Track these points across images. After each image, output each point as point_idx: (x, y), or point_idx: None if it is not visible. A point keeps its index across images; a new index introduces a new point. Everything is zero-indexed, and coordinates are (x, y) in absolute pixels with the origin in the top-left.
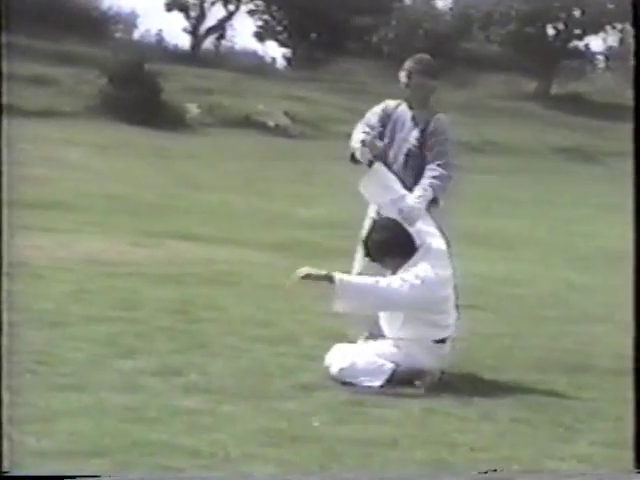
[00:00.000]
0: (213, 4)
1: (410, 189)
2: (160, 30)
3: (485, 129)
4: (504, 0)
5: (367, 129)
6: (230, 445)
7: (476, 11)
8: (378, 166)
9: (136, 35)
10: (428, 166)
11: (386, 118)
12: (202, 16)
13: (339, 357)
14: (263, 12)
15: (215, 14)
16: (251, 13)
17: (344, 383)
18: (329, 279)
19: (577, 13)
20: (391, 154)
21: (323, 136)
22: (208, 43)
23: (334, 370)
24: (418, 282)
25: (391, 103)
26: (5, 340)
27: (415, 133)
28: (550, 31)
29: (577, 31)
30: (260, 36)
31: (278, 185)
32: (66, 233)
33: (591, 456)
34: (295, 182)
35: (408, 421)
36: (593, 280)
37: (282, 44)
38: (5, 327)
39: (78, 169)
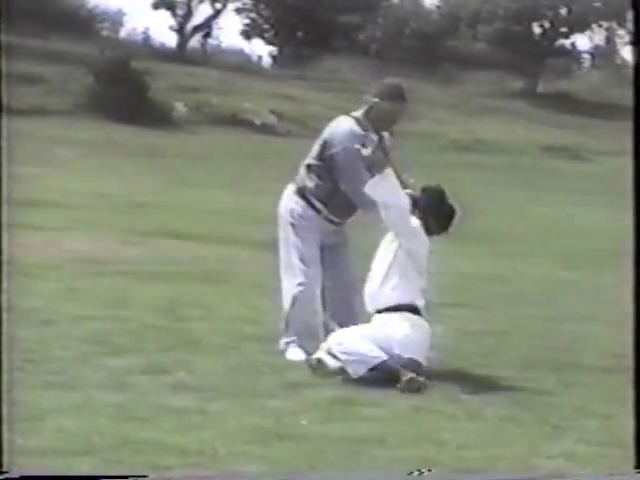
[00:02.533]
0: (200, 2)
1: None
2: (147, 28)
3: (472, 127)
4: None
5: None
6: (218, 443)
7: (463, 9)
8: (390, 171)
9: (123, 33)
10: None
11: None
12: (189, 14)
13: (342, 334)
14: (250, 10)
15: (202, 12)
16: (238, 11)
17: (334, 356)
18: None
19: (564, 11)
20: None
21: (310, 134)
22: (195, 41)
23: (333, 345)
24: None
25: (358, 131)
26: None
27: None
28: (537, 29)
29: (563, 29)
30: (247, 34)
31: (265, 183)
32: (55, 231)
33: (578, 454)
34: (282, 180)
35: (396, 419)
36: (580, 278)
37: (269, 42)
38: None
39: (66, 167)
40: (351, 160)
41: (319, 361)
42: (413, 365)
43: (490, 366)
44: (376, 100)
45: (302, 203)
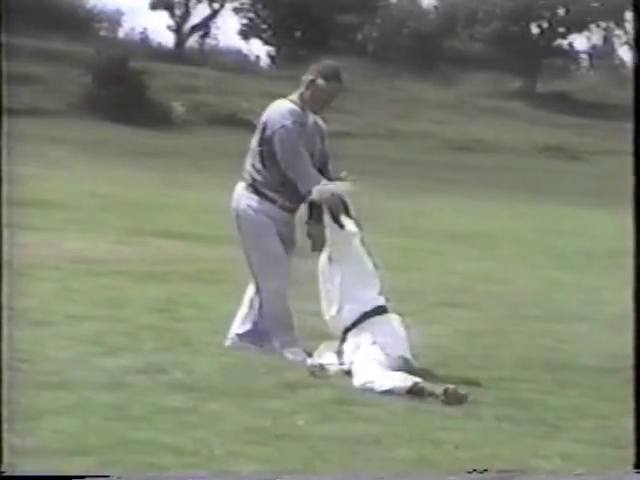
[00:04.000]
0: (198, 2)
1: None
2: (145, 28)
3: (470, 127)
4: None
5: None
6: (214, 443)
7: (461, 9)
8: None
9: (121, 33)
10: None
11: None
12: (187, 14)
13: (363, 369)
14: (248, 10)
15: (200, 12)
16: (236, 11)
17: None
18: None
19: (561, 12)
20: None
21: None
22: (192, 41)
23: (362, 381)
24: None
25: (296, 110)
26: None
27: (318, 139)
28: (534, 29)
29: (561, 29)
30: (245, 34)
31: None
32: (51, 231)
33: (575, 454)
34: None
35: (392, 419)
36: (576, 278)
37: (266, 42)
38: None
39: (63, 167)
40: (290, 137)
41: (322, 367)
42: (405, 363)
43: (486, 366)
44: (312, 78)
45: (256, 197)
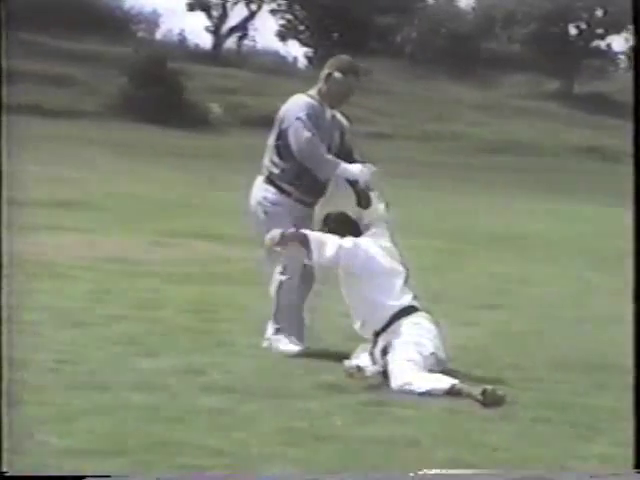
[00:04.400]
0: (235, 4)
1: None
2: (182, 30)
3: (506, 129)
4: (527, 0)
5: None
6: (251, 444)
7: (498, 11)
8: None
9: (158, 35)
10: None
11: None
12: (224, 16)
13: (402, 372)
14: (285, 11)
15: (237, 13)
16: (273, 12)
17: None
18: (303, 236)
19: (599, 13)
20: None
21: None
22: (230, 42)
23: (400, 384)
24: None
25: (313, 103)
26: (27, 339)
27: (337, 134)
28: (572, 31)
29: (599, 30)
30: (282, 35)
31: None
32: (88, 232)
33: (613, 456)
34: None
35: (429, 421)
36: (612, 280)
37: (304, 43)
38: (27, 326)
39: (99, 169)
40: (305, 128)
41: (359, 368)
42: (438, 360)
43: (523, 367)
44: (329, 72)
45: (272, 189)
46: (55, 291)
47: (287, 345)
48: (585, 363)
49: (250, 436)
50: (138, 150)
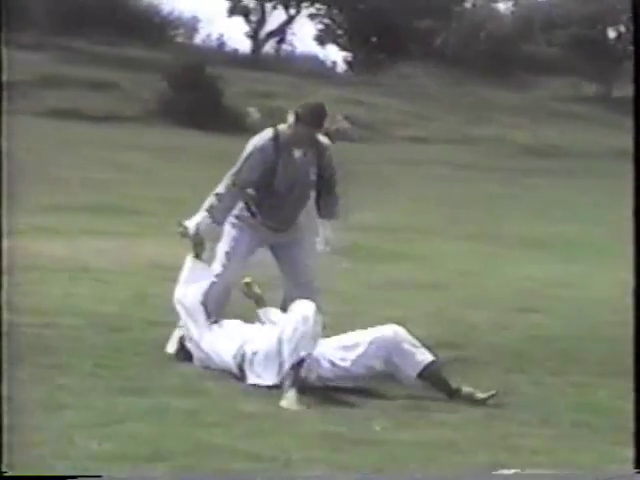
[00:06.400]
0: (274, 8)
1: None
2: (221, 34)
3: (545, 132)
4: (565, 3)
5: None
6: (291, 449)
7: (537, 14)
8: None
9: (197, 40)
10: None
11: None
12: (263, 20)
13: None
14: (324, 16)
15: (276, 18)
16: (312, 17)
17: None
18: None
19: None
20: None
21: (383, 140)
22: (269, 47)
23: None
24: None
25: (270, 148)
26: (68, 343)
27: (312, 169)
28: (611, 34)
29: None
30: (321, 40)
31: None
32: (128, 237)
33: None
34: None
35: (468, 425)
36: None
37: (343, 48)
38: (68, 330)
39: (139, 173)
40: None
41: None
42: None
43: (562, 371)
44: (292, 121)
45: (241, 204)
46: (96, 296)
47: None
48: (625, 367)
49: (290, 440)
50: (178, 155)
